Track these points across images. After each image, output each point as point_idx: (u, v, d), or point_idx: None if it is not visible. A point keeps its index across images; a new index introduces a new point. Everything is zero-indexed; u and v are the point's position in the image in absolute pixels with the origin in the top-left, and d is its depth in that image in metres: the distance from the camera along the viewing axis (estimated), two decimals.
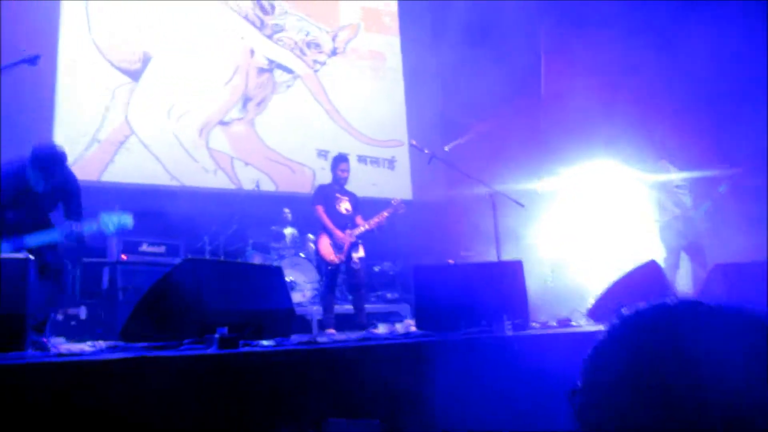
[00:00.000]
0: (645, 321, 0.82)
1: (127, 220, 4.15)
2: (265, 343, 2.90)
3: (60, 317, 6.03)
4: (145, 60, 8.15)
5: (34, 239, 4.05)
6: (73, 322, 6.15)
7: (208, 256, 6.81)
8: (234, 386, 2.52)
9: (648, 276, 4.39)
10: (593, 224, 8.79)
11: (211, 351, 2.66)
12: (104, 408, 2.18)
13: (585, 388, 0.83)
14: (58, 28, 7.74)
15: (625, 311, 0.85)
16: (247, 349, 2.75)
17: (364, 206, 6.59)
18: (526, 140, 8.96)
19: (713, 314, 0.81)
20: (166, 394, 2.31)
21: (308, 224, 7.07)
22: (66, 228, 4.10)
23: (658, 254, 6.12)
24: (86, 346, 3.19)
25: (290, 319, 3.52)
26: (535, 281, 8.63)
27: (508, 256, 5.77)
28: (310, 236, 7.12)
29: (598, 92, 8.09)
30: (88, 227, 4.09)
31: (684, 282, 6.61)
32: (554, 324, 4.35)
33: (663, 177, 6.34)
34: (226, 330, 2.77)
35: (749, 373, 0.72)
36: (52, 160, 4.08)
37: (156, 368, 2.35)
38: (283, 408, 2.59)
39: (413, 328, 3.77)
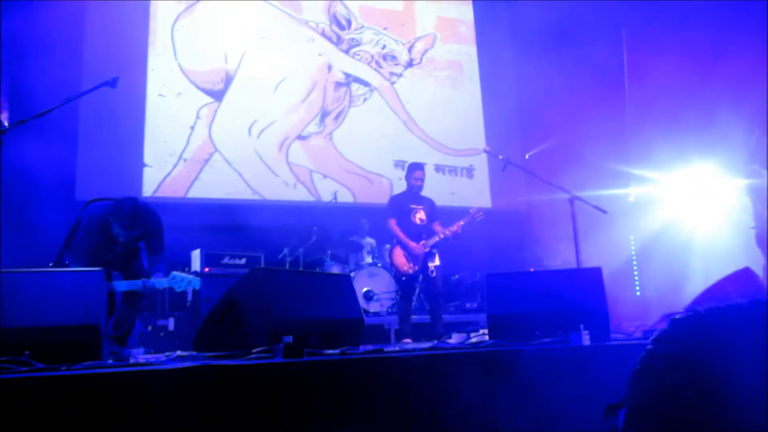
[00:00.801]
0: (687, 329, 0.78)
1: (196, 283, 4.26)
2: (329, 352, 2.88)
3: (149, 329, 6.30)
4: (228, 80, 8.44)
5: (116, 286, 4.25)
6: (162, 334, 6.40)
7: (287, 267, 6.94)
8: (297, 395, 2.52)
9: (742, 284, 4.08)
10: (689, 232, 8.38)
11: (275, 360, 2.68)
12: (168, 415, 2.22)
13: (628, 405, 0.80)
14: (147, 53, 8.15)
15: (675, 318, 0.81)
16: (311, 358, 2.75)
17: (442, 215, 6.53)
18: (610, 146, 8.65)
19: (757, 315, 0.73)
20: (230, 403, 2.33)
21: (386, 234, 7.08)
22: (141, 282, 4.25)
23: (757, 263, 5.73)
24: (162, 357, 3.29)
25: (359, 329, 3.50)
26: (626, 290, 8.37)
27: (594, 263, 5.56)
28: (387, 246, 7.12)
29: (686, 94, 7.70)
30: (159, 283, 4.28)
31: None
32: (639, 335, 4.12)
33: (757, 181, 5.93)
34: (291, 339, 2.78)
35: None
36: (134, 217, 4.23)
37: (219, 376, 2.38)
38: (346, 416, 2.56)
39: (487, 338, 3.66)
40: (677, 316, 0.82)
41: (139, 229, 4.33)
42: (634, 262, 8.52)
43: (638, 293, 8.37)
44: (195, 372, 2.42)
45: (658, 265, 8.28)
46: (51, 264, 3.83)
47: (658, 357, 0.77)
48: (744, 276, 4.51)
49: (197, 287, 4.43)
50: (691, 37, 7.55)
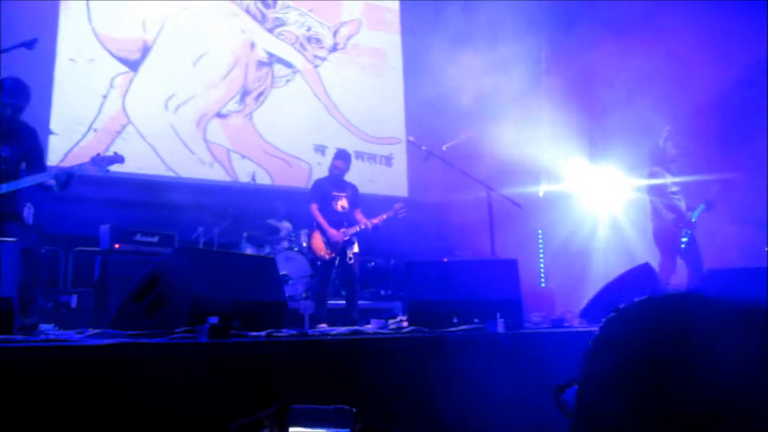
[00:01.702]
0: (637, 314, 0.83)
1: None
2: (254, 334, 2.87)
3: (50, 305, 6.00)
4: (145, 50, 8.11)
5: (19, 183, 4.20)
6: (63, 311, 6.12)
7: (201, 247, 6.78)
8: (222, 376, 2.50)
9: (641, 278, 4.39)
10: (592, 228, 8.85)
11: (200, 340, 2.64)
12: (90, 393, 2.15)
13: (581, 383, 0.84)
14: (58, 15, 7.69)
15: (619, 306, 0.85)
16: (236, 339, 2.73)
17: (362, 203, 6.58)
18: (524, 141, 8.96)
19: (706, 304, 0.80)
20: (153, 382, 2.28)
21: (303, 218, 7.06)
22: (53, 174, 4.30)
23: (654, 260, 6.13)
24: (74, 334, 3.16)
25: (282, 312, 3.50)
26: (532, 281, 8.74)
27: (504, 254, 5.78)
28: (305, 231, 7.10)
29: (595, 94, 8.10)
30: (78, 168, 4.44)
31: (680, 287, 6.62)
32: (546, 324, 4.33)
33: (658, 182, 6.34)
34: (216, 319, 2.75)
35: (745, 362, 0.71)
36: (18, 88, 4.30)
37: (144, 355, 2.32)
38: (270, 399, 2.57)
39: (405, 324, 3.74)
40: (622, 305, 0.89)
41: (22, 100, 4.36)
42: (541, 255, 8.91)
43: (543, 284, 8.76)
44: (116, 349, 2.36)
45: (562, 259, 8.70)
46: None
47: (610, 338, 0.82)
48: (643, 271, 4.83)
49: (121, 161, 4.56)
50: (601, 40, 7.92)
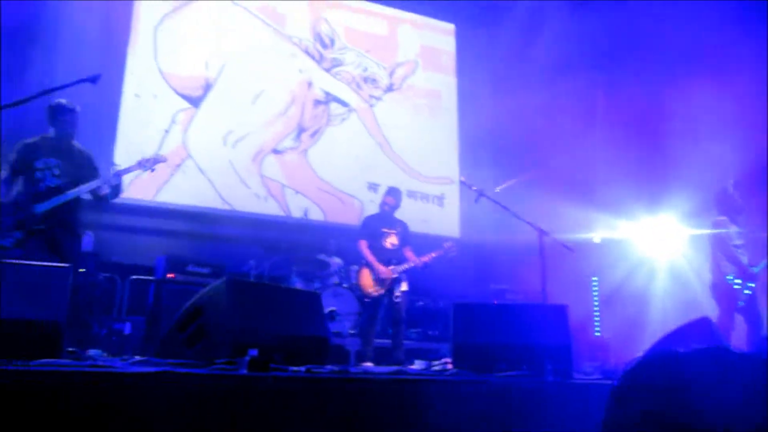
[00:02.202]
0: (655, 366, 0.85)
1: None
2: (295, 368, 2.85)
3: (104, 331, 6.13)
4: (207, 87, 8.38)
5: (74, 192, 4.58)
6: (115, 337, 6.24)
7: (252, 280, 6.85)
8: (260, 409, 2.47)
9: (699, 333, 4.17)
10: (650, 278, 8.56)
11: (240, 372, 2.63)
12: (128, 420, 2.16)
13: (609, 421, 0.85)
14: (126, 52, 8.05)
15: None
16: (276, 373, 2.71)
17: (412, 242, 6.56)
18: (580, 186, 8.81)
19: (721, 360, 0.81)
20: (190, 412, 2.27)
21: (354, 255, 7.06)
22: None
23: (713, 314, 5.87)
24: (119, 361, 3.21)
25: (325, 348, 3.47)
26: (586, 330, 8.48)
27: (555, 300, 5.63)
28: (355, 267, 7.09)
29: (654, 135, 7.91)
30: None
31: (739, 345, 6.30)
32: (598, 375, 4.17)
33: (722, 232, 6.09)
34: (256, 352, 2.74)
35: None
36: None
37: (181, 384, 2.32)
38: None
39: (449, 366, 3.66)
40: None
41: (76, 116, 4.97)
42: (596, 303, 8.64)
43: (597, 333, 8.47)
44: (156, 378, 2.37)
45: (618, 309, 8.41)
46: None
47: (636, 384, 0.84)
48: (702, 325, 4.61)
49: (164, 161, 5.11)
50: (661, 78, 7.76)
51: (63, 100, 4.81)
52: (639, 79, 8.10)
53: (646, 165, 8.08)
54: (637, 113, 8.21)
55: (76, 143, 4.93)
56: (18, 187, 4.53)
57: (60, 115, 4.76)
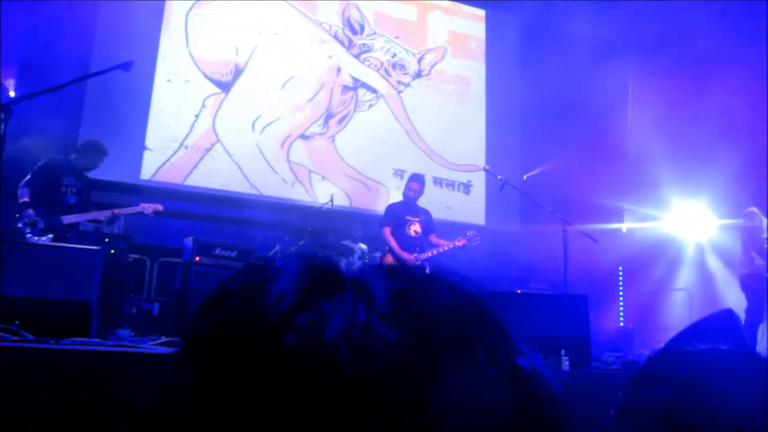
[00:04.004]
0: (672, 359, 0.88)
1: None
2: None
3: (134, 311, 6.31)
4: (237, 73, 8.48)
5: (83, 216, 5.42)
6: (145, 318, 6.42)
7: None
8: None
9: (721, 325, 4.14)
10: (675, 267, 8.49)
11: None
12: (150, 400, 2.25)
13: (618, 419, 0.87)
14: (159, 38, 8.18)
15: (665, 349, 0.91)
16: None
17: (437, 229, 6.59)
18: (608, 175, 8.73)
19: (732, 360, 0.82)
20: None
21: (378, 242, 7.13)
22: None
23: (741, 305, 5.81)
24: (148, 341, 3.32)
25: None
26: (610, 320, 8.45)
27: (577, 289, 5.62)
28: (378, 254, 7.16)
29: (684, 125, 7.80)
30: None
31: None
32: (618, 366, 4.17)
33: (753, 225, 6.01)
34: None
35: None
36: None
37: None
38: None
39: None
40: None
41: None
42: (621, 293, 8.60)
43: (621, 324, 8.44)
44: (180, 359, 2.46)
45: (643, 299, 8.36)
46: None
47: (653, 375, 0.87)
48: (724, 318, 4.59)
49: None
50: (693, 69, 7.64)
51: (103, 144, 5.61)
52: (675, 63, 7.97)
53: (680, 150, 7.96)
54: (672, 98, 8.09)
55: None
56: (38, 195, 5.28)
57: (97, 153, 5.55)
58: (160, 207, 5.81)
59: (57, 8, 7.01)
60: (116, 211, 5.58)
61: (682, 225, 8.53)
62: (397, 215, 6.31)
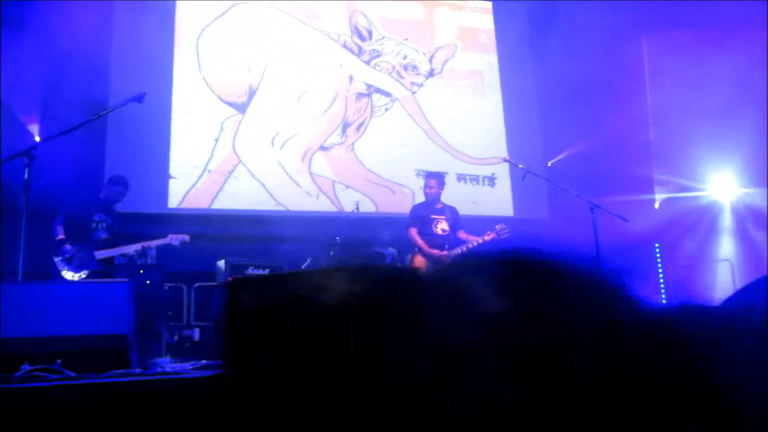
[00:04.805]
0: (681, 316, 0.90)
1: None
2: None
3: (175, 339, 6.39)
4: (251, 93, 8.57)
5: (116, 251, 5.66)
6: (187, 344, 6.49)
7: None
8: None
9: (762, 292, 4.03)
10: (715, 239, 8.32)
11: None
12: (193, 422, 2.27)
13: None
14: (172, 68, 8.30)
15: None
16: None
17: (465, 225, 6.56)
18: (633, 151, 8.61)
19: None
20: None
21: (408, 244, 7.12)
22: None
23: None
24: (188, 366, 3.36)
25: None
26: (652, 298, 8.26)
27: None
28: (408, 256, 7.14)
29: (711, 103, 7.64)
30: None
31: None
32: None
33: None
34: None
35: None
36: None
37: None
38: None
39: None
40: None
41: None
42: (660, 270, 8.45)
43: (664, 302, 8.29)
44: (215, 380, 2.48)
45: (684, 273, 8.21)
46: None
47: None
48: (764, 285, 4.47)
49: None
50: (709, 40, 7.49)
51: (123, 177, 6.03)
52: (686, 44, 7.83)
53: (704, 118, 7.80)
54: (690, 66, 7.93)
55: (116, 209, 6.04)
56: (71, 231, 5.56)
57: (117, 186, 5.92)
58: (186, 238, 6.01)
59: (70, 45, 7.15)
60: (145, 244, 5.76)
61: (716, 193, 8.36)
62: (422, 215, 6.30)
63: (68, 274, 5.32)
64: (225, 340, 0.84)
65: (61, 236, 5.47)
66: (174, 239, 5.91)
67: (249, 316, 0.83)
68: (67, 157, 6.17)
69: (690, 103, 7.84)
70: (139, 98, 4.02)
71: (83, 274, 5.41)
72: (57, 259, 5.37)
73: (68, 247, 5.42)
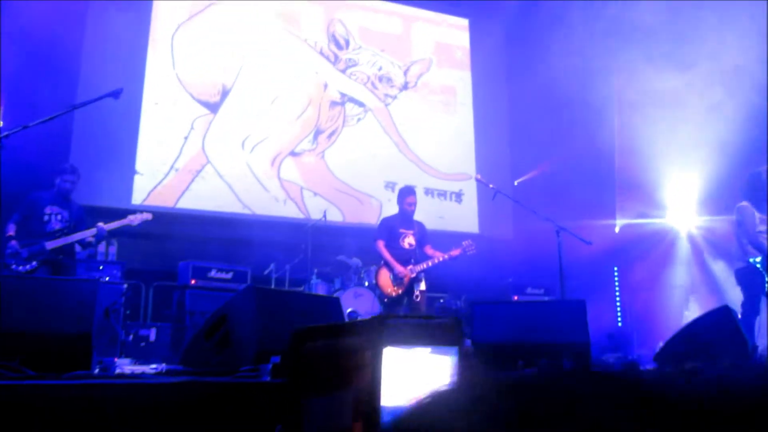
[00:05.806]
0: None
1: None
2: None
3: (130, 338, 6.27)
4: (224, 93, 8.50)
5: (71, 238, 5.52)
6: (142, 344, 6.37)
7: (273, 285, 6.95)
8: (282, 416, 2.54)
9: (720, 322, 4.18)
10: (671, 264, 8.53)
11: (262, 379, 2.71)
12: (153, 429, 2.25)
13: None
14: (145, 63, 8.19)
15: None
16: None
17: (431, 239, 6.60)
18: (598, 176, 8.79)
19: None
20: (217, 420, 2.36)
21: (373, 255, 7.13)
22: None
23: (738, 300, 5.84)
24: (148, 369, 3.31)
25: None
26: (608, 321, 8.47)
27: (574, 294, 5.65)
28: (373, 267, 7.16)
29: (675, 130, 7.86)
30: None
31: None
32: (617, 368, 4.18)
33: (745, 218, 6.05)
34: (279, 359, 2.81)
35: None
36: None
37: (208, 393, 2.41)
38: None
39: None
40: None
41: (76, 178, 5.86)
42: (617, 293, 8.63)
43: (620, 324, 8.47)
44: (181, 387, 2.45)
45: (640, 297, 8.39)
46: None
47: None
48: (722, 314, 4.61)
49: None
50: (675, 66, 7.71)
51: (70, 165, 5.86)
52: (652, 64, 8.03)
53: (669, 146, 8.00)
54: (654, 97, 8.13)
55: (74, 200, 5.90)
56: (24, 227, 5.53)
57: (63, 174, 5.70)
58: (148, 216, 5.87)
59: (42, 35, 7.01)
60: (102, 225, 5.58)
61: (676, 221, 8.58)
62: (390, 228, 6.32)
63: (15, 269, 5.33)
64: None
65: (10, 233, 5.46)
66: (133, 219, 5.78)
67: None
68: (30, 151, 6.03)
69: (656, 135, 8.05)
70: (116, 94, 3.95)
71: (29, 266, 5.36)
72: (6, 256, 5.36)
73: (13, 243, 5.38)
